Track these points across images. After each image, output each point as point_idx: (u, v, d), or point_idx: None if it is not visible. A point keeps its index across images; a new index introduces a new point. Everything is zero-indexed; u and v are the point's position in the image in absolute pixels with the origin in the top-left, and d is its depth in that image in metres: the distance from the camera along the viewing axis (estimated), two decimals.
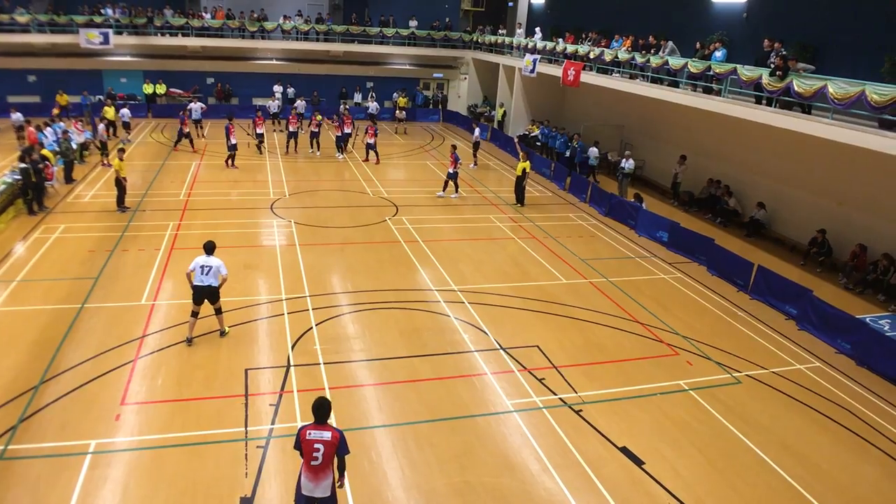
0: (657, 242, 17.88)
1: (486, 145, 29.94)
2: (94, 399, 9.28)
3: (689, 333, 12.56)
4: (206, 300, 10.70)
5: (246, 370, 10.24)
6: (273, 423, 8.97)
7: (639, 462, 8.63)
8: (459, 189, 21.22)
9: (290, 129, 26.04)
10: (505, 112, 33.40)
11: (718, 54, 17.89)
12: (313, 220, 17.94)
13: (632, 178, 22.77)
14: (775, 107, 15.60)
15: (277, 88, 34.29)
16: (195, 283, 10.50)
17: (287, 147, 26.43)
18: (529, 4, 34.66)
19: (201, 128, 28.70)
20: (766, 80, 15.18)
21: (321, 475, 6.24)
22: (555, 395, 10.10)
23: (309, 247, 15.86)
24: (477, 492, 7.90)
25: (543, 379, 10.52)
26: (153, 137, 28.46)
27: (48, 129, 21.86)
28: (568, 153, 25.15)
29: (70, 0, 31.75)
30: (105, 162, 22.71)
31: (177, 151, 25.37)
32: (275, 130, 30.48)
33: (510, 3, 36.77)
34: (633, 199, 19.77)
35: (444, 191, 21.00)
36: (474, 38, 36.45)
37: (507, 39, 32.45)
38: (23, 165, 16.82)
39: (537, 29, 30.71)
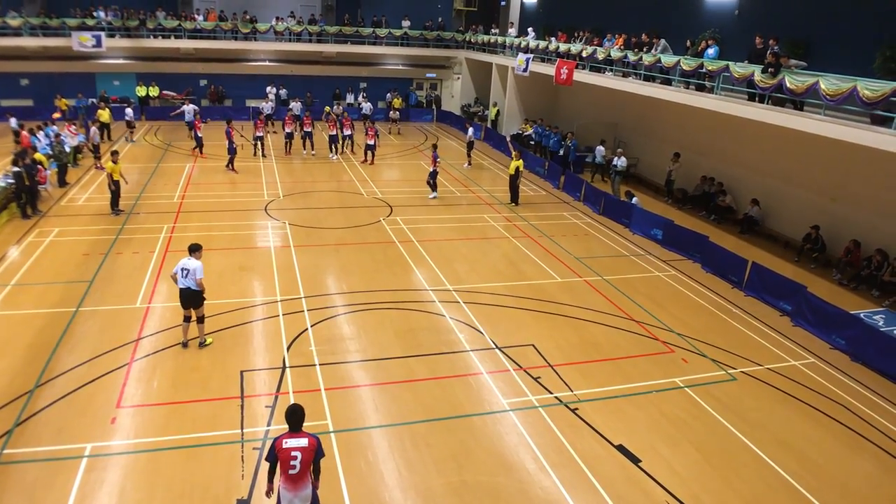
0: (651, 240, 17.93)
1: (479, 145, 29.94)
2: (89, 402, 9.25)
3: (684, 331, 12.59)
4: (190, 307, 10.60)
5: (241, 372, 10.22)
6: (269, 424, 8.95)
7: (635, 460, 8.65)
8: (437, 190, 21.19)
9: (286, 130, 26.03)
10: (498, 111, 33.42)
11: (711, 52, 17.93)
12: (308, 222, 17.92)
13: (625, 176, 22.84)
14: (768, 103, 15.66)
15: (271, 90, 34.26)
16: (179, 287, 10.46)
17: (287, 148, 26.38)
18: (522, 4, 34.68)
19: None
20: (758, 76, 15.23)
21: (300, 483, 6.16)
22: (551, 393, 10.12)
23: (304, 248, 15.85)
24: (474, 491, 7.91)
25: (539, 378, 10.53)
26: (147, 140, 28.38)
27: (41, 132, 21.80)
28: (562, 152, 25.20)
29: (62, 3, 31.64)
30: (98, 165, 22.65)
31: (205, 158, 24.77)
32: (268, 132, 30.44)
33: (502, 3, 36.78)
34: (624, 198, 19.84)
35: (434, 192, 21.01)
36: (467, 38, 36.48)
37: (500, 39, 32.47)
38: (16, 169, 16.75)
39: (530, 28, 30.77)
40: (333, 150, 26.31)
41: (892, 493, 8.44)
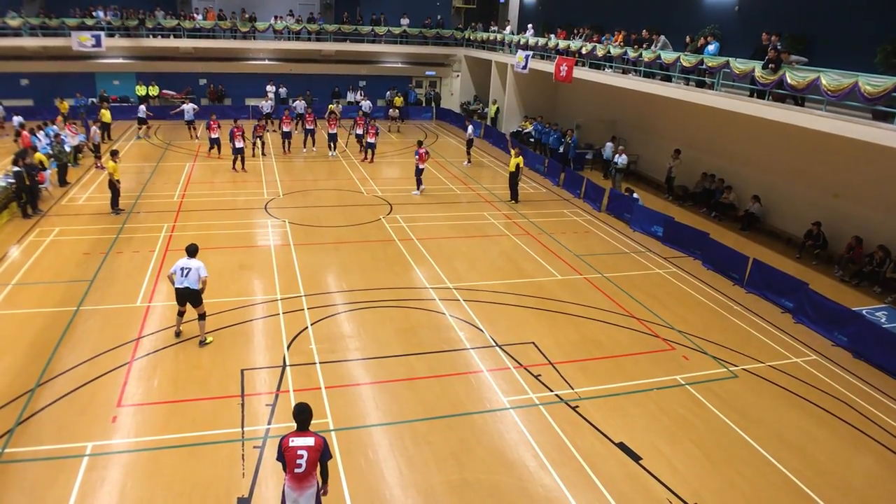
0: (652, 237, 17.90)
1: (479, 142, 29.92)
2: (90, 401, 9.25)
3: (685, 328, 12.58)
4: (189, 304, 10.68)
5: (242, 370, 10.22)
6: (269, 423, 8.95)
7: (636, 457, 8.64)
8: (423, 185, 21.28)
9: (284, 129, 26.01)
10: (498, 109, 33.38)
11: (711, 48, 17.89)
12: (308, 220, 17.91)
13: (625, 173, 22.81)
14: (768, 99, 15.62)
15: (270, 88, 34.24)
16: (175, 286, 10.50)
17: (285, 147, 26.31)
18: (521, 1, 34.63)
19: (194, 129, 28.61)
20: (758, 72, 15.19)
21: (305, 483, 6.17)
22: (551, 391, 10.11)
23: (304, 246, 15.84)
24: (474, 489, 7.90)
25: (539, 375, 10.52)
26: (146, 139, 28.36)
27: (41, 132, 21.80)
28: (561, 149, 25.17)
29: (61, 3, 31.61)
30: (99, 165, 22.64)
31: (221, 159, 24.32)
32: (268, 131, 30.41)
33: (501, 0, 36.74)
34: (625, 194, 19.83)
35: (419, 187, 21.13)
36: (466, 36, 36.42)
37: (499, 36, 32.42)
38: (16, 169, 16.75)
39: (529, 25, 30.72)
40: (332, 147, 26.30)
41: (895, 489, 8.42)
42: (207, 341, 10.97)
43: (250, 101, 34.42)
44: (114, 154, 17.54)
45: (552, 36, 27.31)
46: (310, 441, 6.17)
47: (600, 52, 22.81)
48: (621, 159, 21.91)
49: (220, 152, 24.83)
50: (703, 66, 17.49)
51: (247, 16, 33.94)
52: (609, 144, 24.20)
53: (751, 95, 16.27)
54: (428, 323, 12.22)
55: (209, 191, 20.58)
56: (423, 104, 38.66)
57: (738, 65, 15.92)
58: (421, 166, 20.80)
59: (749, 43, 16.74)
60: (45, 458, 8.05)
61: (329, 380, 10.10)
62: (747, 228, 18.71)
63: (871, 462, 8.97)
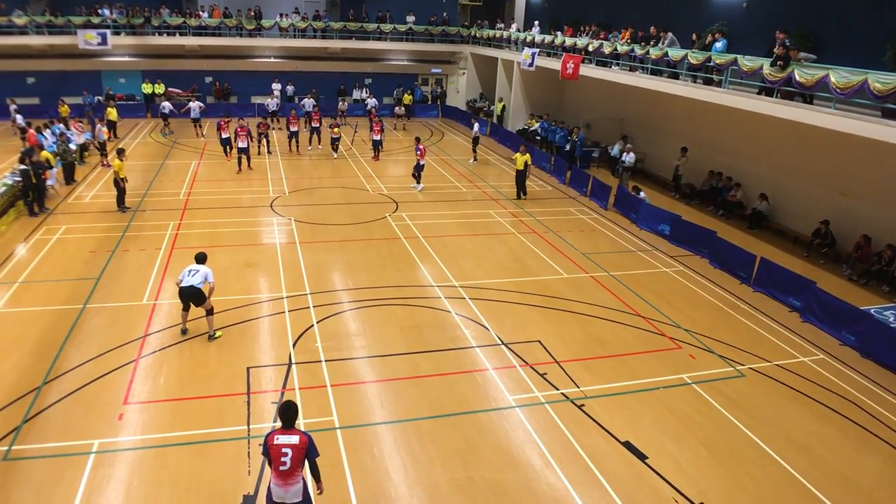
0: (658, 235, 17.83)
1: (485, 140, 29.86)
2: (96, 399, 9.28)
3: (692, 327, 12.52)
4: (191, 304, 10.78)
5: (248, 368, 10.23)
6: (275, 420, 8.94)
7: (642, 456, 8.60)
8: (421, 182, 21.36)
9: (291, 129, 25.97)
10: (504, 106, 33.30)
11: (719, 45, 17.78)
12: (313, 218, 17.91)
13: (632, 171, 22.72)
14: (777, 97, 15.52)
15: (276, 86, 34.24)
16: (180, 286, 10.59)
17: (291, 146, 26.33)
18: None
19: (200, 127, 28.64)
20: (766, 70, 15.09)
21: (290, 480, 6.16)
22: (557, 389, 10.08)
23: (309, 244, 15.84)
24: (479, 487, 7.89)
25: (545, 374, 10.49)
26: (153, 137, 28.42)
27: (47, 130, 21.87)
28: (568, 147, 25.10)
29: (67, 1, 31.69)
30: (105, 162, 22.70)
31: (230, 160, 23.77)
32: (272, 129, 30.43)
33: None
34: (632, 192, 19.75)
35: (418, 183, 21.26)
36: (472, 33, 36.34)
37: (506, 33, 32.33)
38: (23, 167, 16.81)
39: (536, 22, 30.62)
40: (335, 149, 26.07)
41: None
42: (216, 335, 11.05)
43: (256, 99, 34.43)
44: (120, 152, 17.58)
45: (559, 33, 27.22)
46: (294, 439, 6.15)
47: (607, 50, 22.71)
48: (629, 157, 21.82)
49: (228, 154, 24.40)
50: (711, 64, 17.39)
51: (252, 13, 33.94)
52: (618, 143, 24.08)
53: (759, 93, 16.17)
54: (433, 321, 12.21)
55: (215, 189, 20.61)
56: (429, 102, 38.61)
57: (746, 62, 15.81)
58: (421, 162, 20.83)
59: (757, 40, 16.63)
60: (51, 456, 8.08)
61: (335, 378, 10.10)
62: (755, 227, 18.62)
63: (879, 462, 8.90)
